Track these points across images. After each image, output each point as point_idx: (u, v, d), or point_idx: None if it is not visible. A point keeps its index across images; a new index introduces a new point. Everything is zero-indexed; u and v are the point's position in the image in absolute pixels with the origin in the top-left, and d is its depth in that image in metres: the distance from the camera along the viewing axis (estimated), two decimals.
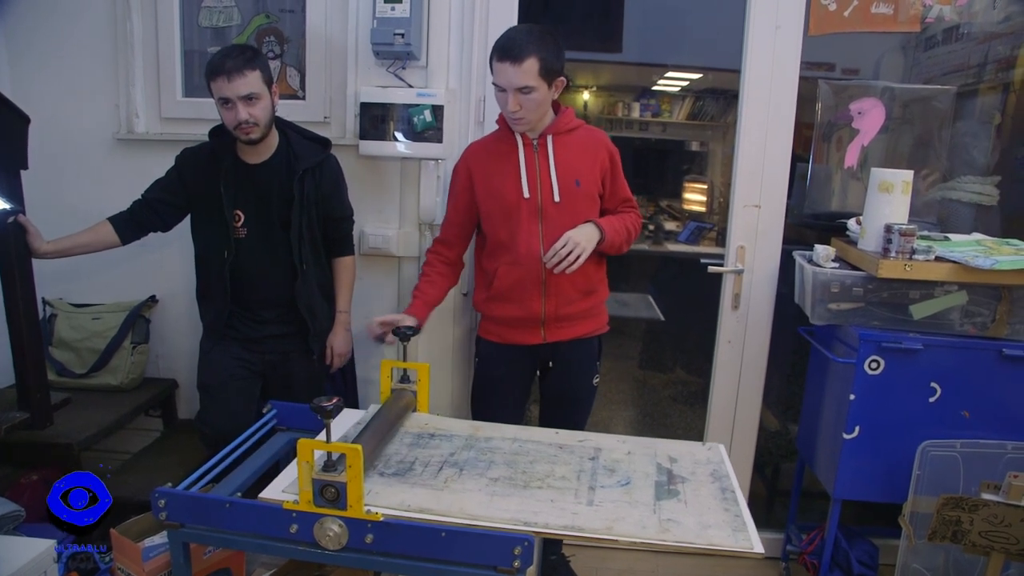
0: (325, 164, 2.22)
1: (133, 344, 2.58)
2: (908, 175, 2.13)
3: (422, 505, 1.39)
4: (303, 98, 2.56)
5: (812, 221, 2.65)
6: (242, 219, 2.16)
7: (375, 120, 2.39)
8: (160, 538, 1.75)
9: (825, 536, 2.28)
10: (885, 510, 2.25)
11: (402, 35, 2.28)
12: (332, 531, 1.29)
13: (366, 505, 1.32)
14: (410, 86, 2.42)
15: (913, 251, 2.06)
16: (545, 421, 2.27)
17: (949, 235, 2.30)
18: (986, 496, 1.91)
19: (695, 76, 4.39)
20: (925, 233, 2.26)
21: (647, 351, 3.43)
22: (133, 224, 2.24)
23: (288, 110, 2.53)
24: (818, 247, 2.26)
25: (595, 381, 2.25)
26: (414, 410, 1.80)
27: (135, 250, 2.64)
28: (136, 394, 2.58)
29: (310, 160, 2.18)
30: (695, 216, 4.13)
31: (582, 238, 1.95)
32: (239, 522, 1.36)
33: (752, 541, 1.35)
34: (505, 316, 2.14)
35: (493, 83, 1.97)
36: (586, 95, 4.52)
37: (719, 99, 4.40)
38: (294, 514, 1.31)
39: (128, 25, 2.51)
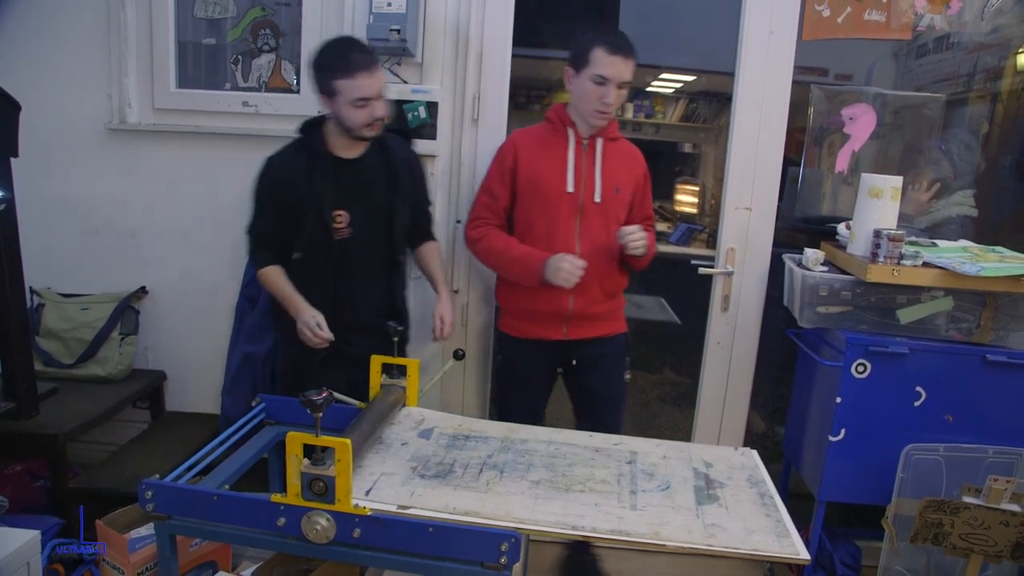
0: (413, 157, 2.23)
1: (122, 335, 2.57)
2: (898, 181, 2.15)
3: (468, 508, 1.38)
4: (298, 91, 2.56)
5: (802, 225, 2.67)
6: (346, 220, 2.04)
7: None
8: (146, 530, 1.74)
9: (809, 537, 2.30)
10: (868, 512, 2.26)
11: (398, 31, 2.28)
12: (320, 525, 1.29)
13: (409, 507, 1.33)
14: (405, 82, 2.42)
15: (901, 256, 2.08)
16: (581, 421, 2.31)
17: (937, 241, 2.32)
18: (967, 499, 1.93)
19: (689, 78, 4.40)
20: (913, 239, 2.27)
21: (636, 352, 3.44)
22: (277, 257, 2.10)
23: (282, 104, 2.54)
24: (807, 251, 2.27)
25: (626, 377, 2.31)
26: (403, 405, 1.80)
27: (124, 240, 2.64)
28: (124, 385, 2.57)
29: (404, 151, 2.16)
30: (686, 218, 4.14)
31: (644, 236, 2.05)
32: (226, 515, 1.36)
33: (797, 547, 1.35)
34: (529, 309, 2.18)
35: (596, 75, 1.99)
36: None
37: (712, 101, 4.41)
38: (281, 507, 1.31)
39: (122, 15, 2.49)
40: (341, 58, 1.91)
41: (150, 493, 1.36)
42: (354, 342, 2.07)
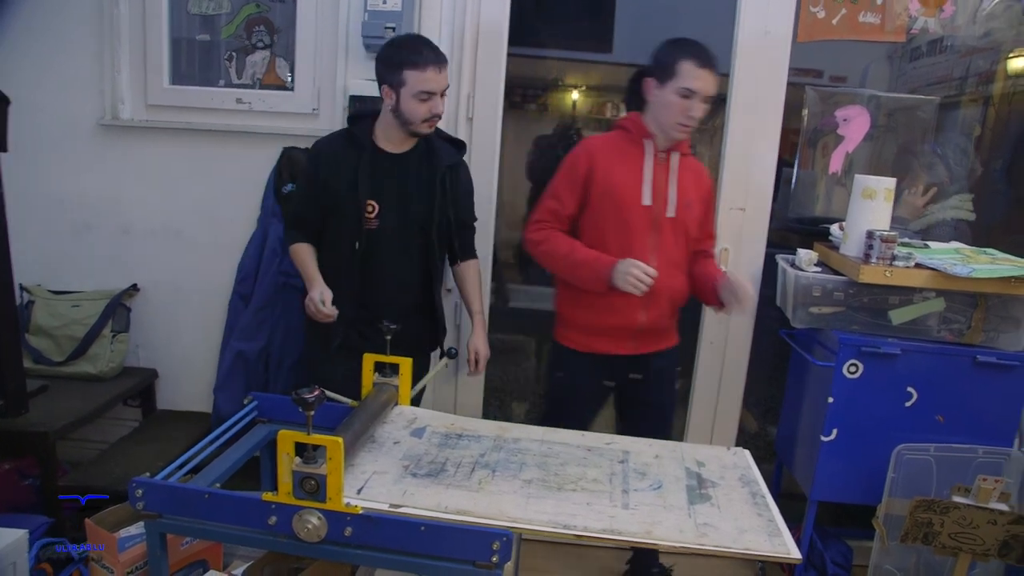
0: (461, 169, 2.18)
1: (113, 333, 2.56)
2: (891, 182, 2.15)
3: (460, 507, 1.37)
4: (292, 89, 2.55)
5: (796, 225, 2.68)
6: (376, 210, 2.06)
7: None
8: (136, 528, 1.73)
9: (801, 537, 2.30)
10: (860, 512, 2.27)
11: (393, 29, 2.27)
12: (311, 524, 1.28)
13: (401, 506, 1.32)
14: None
15: (894, 257, 2.09)
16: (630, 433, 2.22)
17: (929, 243, 2.33)
18: (957, 499, 1.94)
19: None
20: (906, 240, 2.28)
21: None
22: (311, 238, 2.15)
23: (276, 101, 2.53)
24: (801, 251, 2.28)
25: (676, 386, 2.30)
26: (396, 404, 1.80)
27: (116, 237, 2.63)
28: (115, 383, 2.55)
29: (450, 158, 2.12)
30: None
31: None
32: (217, 513, 1.35)
33: (789, 546, 1.35)
34: (597, 324, 2.12)
35: (683, 88, 1.95)
36: (575, 95, 4.53)
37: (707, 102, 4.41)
38: (273, 506, 1.30)
39: (115, 11, 2.48)
40: (414, 51, 1.94)
41: (140, 491, 1.35)
42: (371, 336, 2.05)
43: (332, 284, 2.06)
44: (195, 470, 1.51)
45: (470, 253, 2.26)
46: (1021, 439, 2.21)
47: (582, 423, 2.14)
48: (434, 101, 1.98)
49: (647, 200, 2.05)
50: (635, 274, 1.93)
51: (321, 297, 2.00)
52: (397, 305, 2.09)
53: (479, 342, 2.22)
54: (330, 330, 2.07)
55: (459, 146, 2.18)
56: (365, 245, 2.06)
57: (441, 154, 2.10)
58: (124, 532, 1.73)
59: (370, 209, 2.06)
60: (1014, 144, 2.87)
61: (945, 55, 2.65)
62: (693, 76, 1.95)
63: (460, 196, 2.18)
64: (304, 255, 2.12)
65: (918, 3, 2.45)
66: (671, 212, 2.06)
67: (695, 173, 2.14)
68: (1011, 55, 2.68)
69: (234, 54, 2.56)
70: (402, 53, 1.95)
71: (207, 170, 2.57)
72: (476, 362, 2.22)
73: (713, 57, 1.98)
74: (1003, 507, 1.92)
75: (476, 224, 2.29)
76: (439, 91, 1.97)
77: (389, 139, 2.08)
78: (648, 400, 2.22)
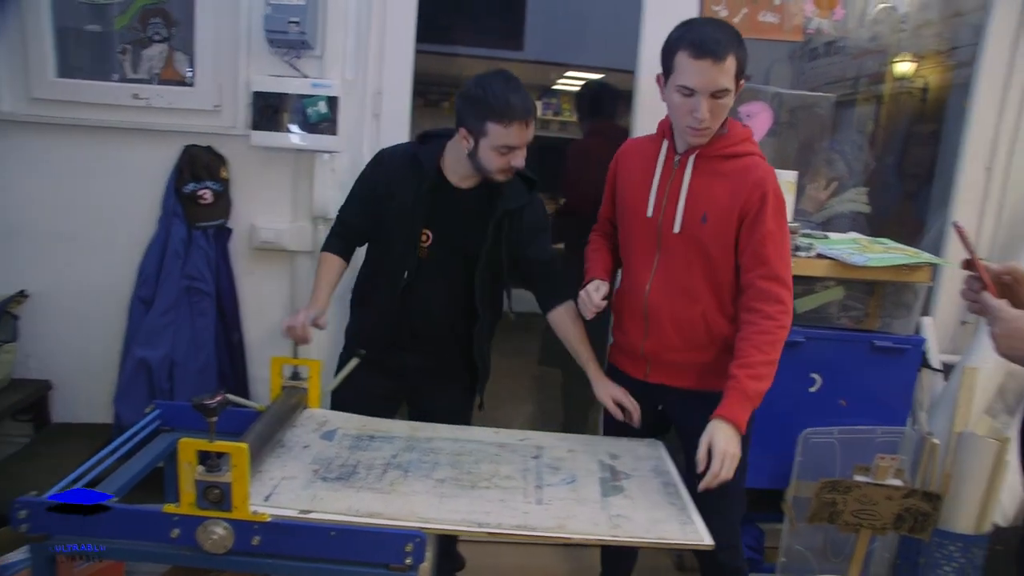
0: (528, 208, 1.98)
1: None
2: (792, 175, 2.24)
3: (371, 509, 1.35)
4: (192, 84, 2.44)
5: None
6: (430, 239, 1.94)
7: (268, 110, 2.30)
8: (22, 553, 1.62)
9: None
10: (770, 496, 2.35)
11: (297, 23, 2.20)
12: (216, 534, 1.23)
13: (311, 511, 1.29)
14: (305, 76, 2.35)
15: (797, 248, 2.16)
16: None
17: (829, 234, 2.43)
18: (858, 478, 2.04)
19: (595, 76, 4.48)
20: (808, 232, 2.38)
21: (546, 346, 3.46)
22: (346, 246, 2.05)
23: (176, 97, 2.42)
24: None
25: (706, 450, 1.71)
26: (305, 407, 1.75)
27: (1, 240, 2.46)
28: (2, 396, 2.38)
29: (513, 201, 1.94)
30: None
31: (725, 442, 1.58)
32: (115, 529, 1.28)
33: (701, 533, 1.38)
34: (617, 339, 1.96)
35: (680, 85, 1.64)
36: None
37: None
38: (175, 518, 1.25)
39: None
40: (502, 101, 1.76)
41: (24, 512, 1.26)
42: (393, 358, 2.01)
43: (372, 301, 2.02)
44: (91, 485, 1.43)
45: (560, 296, 1.99)
46: (914, 418, 2.34)
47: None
48: (515, 154, 1.83)
49: (650, 211, 1.78)
50: (581, 296, 1.80)
51: (305, 318, 1.85)
52: (429, 336, 2.01)
53: (609, 389, 1.91)
54: (357, 346, 2.02)
55: (531, 184, 2.00)
56: (414, 273, 1.95)
57: (508, 195, 1.93)
58: (7, 559, 1.61)
59: (424, 238, 1.95)
60: (903, 141, 3.05)
61: (839, 56, 2.78)
62: (689, 71, 1.62)
63: (524, 237, 1.98)
64: (325, 266, 2.01)
65: (813, 5, 2.55)
66: (676, 227, 1.75)
67: (733, 176, 1.73)
68: (896, 58, 2.84)
69: (128, 47, 2.43)
70: (489, 103, 1.77)
71: (102, 168, 2.43)
72: (621, 409, 1.90)
73: (710, 44, 1.60)
74: (898, 483, 2.02)
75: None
76: (520, 145, 1.82)
77: (456, 173, 1.94)
78: (689, 453, 1.80)
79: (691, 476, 1.64)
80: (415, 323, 1.99)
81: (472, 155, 1.85)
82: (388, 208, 1.95)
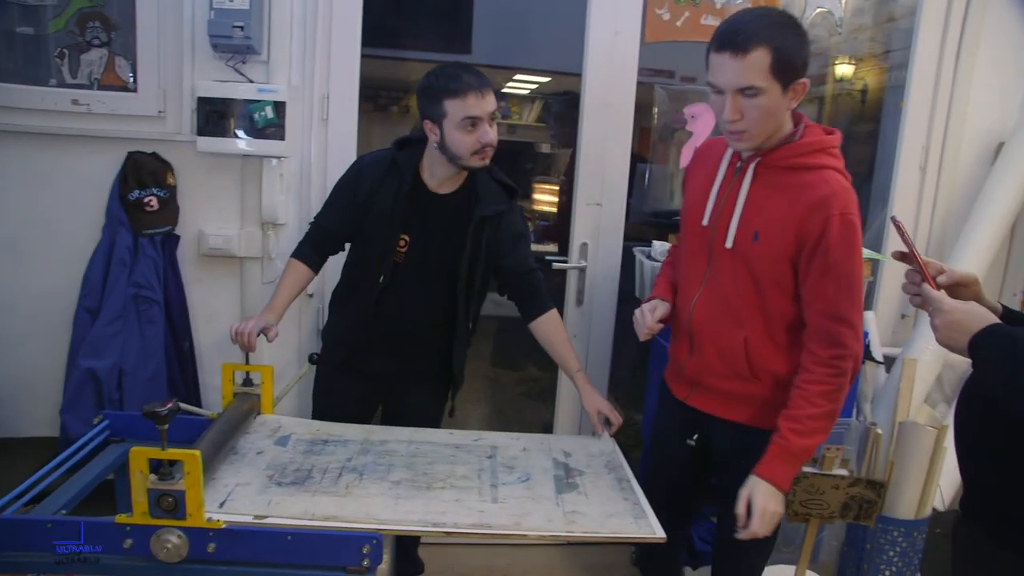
0: (507, 215, 1.97)
1: None
2: None
3: (327, 513, 1.35)
4: (135, 90, 2.40)
5: (651, 219, 2.81)
6: (407, 244, 1.94)
7: (214, 116, 2.28)
8: None
9: None
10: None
11: (241, 28, 2.19)
12: (171, 543, 1.22)
13: (266, 516, 1.28)
14: (251, 81, 2.33)
15: None
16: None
17: None
18: (806, 469, 2.10)
19: (543, 79, 4.52)
20: None
21: (499, 349, 3.49)
22: (318, 255, 2.04)
23: (118, 103, 2.38)
24: (656, 243, 2.39)
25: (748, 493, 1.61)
26: (258, 413, 1.74)
27: None
28: None
29: (491, 208, 1.93)
30: (544, 216, 4.26)
31: (763, 499, 1.51)
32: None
33: (654, 527, 1.41)
34: (670, 352, 1.84)
35: (708, 82, 1.51)
36: None
37: (564, 102, 4.55)
38: (127, 528, 1.23)
39: None
40: (452, 79, 1.79)
41: None
42: (368, 361, 2.01)
43: (349, 305, 2.02)
44: (37, 499, 1.41)
45: (542, 305, 1.99)
46: (859, 409, 2.43)
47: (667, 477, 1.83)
48: (481, 129, 1.81)
49: (705, 220, 1.63)
50: (636, 315, 1.70)
51: (251, 327, 1.81)
52: (406, 339, 2.01)
53: (597, 402, 1.91)
54: (333, 347, 2.04)
55: (511, 191, 2.00)
56: (389, 278, 1.94)
57: (484, 202, 1.93)
58: None
59: (401, 243, 1.94)
60: (844, 141, 3.15)
61: None
62: (712, 65, 1.48)
63: (503, 245, 1.97)
64: (289, 273, 1.99)
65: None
66: (728, 242, 1.58)
67: (795, 192, 1.52)
68: (836, 61, 2.95)
69: (66, 51, 2.38)
70: (439, 83, 1.81)
71: (42, 176, 2.37)
72: (608, 422, 1.90)
73: (733, 35, 1.44)
74: (844, 472, 2.09)
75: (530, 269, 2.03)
76: (485, 116, 1.80)
77: (434, 176, 1.94)
78: (721, 488, 1.76)
79: (725, 523, 1.63)
80: (391, 327, 1.99)
81: (442, 146, 1.84)
82: (368, 213, 1.94)
